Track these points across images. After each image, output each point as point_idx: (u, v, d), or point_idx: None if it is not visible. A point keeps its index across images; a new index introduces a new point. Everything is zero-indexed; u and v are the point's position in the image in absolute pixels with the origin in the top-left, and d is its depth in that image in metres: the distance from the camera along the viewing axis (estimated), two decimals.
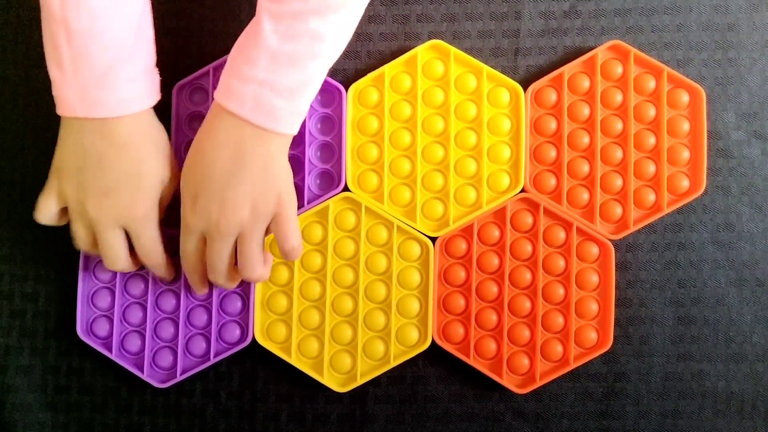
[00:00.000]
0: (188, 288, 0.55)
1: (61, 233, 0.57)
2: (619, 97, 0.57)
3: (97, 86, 0.46)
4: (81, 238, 0.50)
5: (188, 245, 0.49)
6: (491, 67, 0.57)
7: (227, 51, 0.56)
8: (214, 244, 0.48)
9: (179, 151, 0.57)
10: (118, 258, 0.50)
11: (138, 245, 0.50)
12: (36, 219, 0.50)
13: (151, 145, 0.49)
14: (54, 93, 0.47)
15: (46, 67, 0.47)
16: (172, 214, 0.51)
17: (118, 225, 0.49)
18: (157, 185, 0.49)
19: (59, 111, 0.47)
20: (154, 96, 0.49)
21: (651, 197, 0.56)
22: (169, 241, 0.52)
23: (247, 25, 0.47)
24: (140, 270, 0.55)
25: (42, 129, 0.58)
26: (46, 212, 0.50)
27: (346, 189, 0.56)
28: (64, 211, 0.51)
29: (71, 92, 0.46)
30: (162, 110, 0.57)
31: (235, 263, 0.51)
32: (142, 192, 0.48)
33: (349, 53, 0.58)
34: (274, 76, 0.45)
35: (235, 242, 0.49)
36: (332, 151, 0.57)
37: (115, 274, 0.56)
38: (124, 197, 0.48)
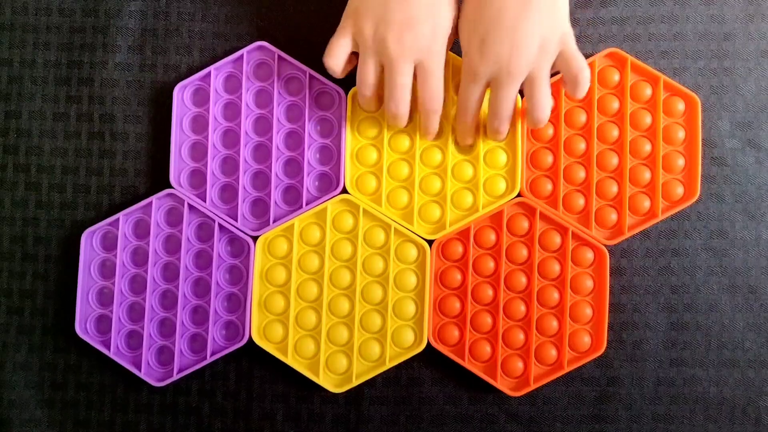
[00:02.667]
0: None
1: (62, 232, 0.58)
2: (615, 105, 0.57)
3: None
4: (369, 78, 0.50)
5: (473, 93, 0.50)
6: None
7: (227, 52, 0.57)
8: (502, 88, 0.48)
9: (179, 152, 0.57)
10: (404, 98, 0.50)
11: (426, 84, 0.50)
12: (326, 62, 0.51)
13: None
14: None
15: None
16: None
17: (414, 59, 0.49)
18: (451, 22, 0.50)
19: None
20: None
21: (646, 204, 0.57)
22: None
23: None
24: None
25: (41, 130, 0.59)
26: (339, 53, 0.50)
27: (344, 191, 0.57)
28: (350, 58, 0.51)
29: None
30: (162, 110, 0.58)
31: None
32: (440, 26, 0.49)
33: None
34: None
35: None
36: (331, 153, 0.58)
37: (113, 272, 0.57)
38: (426, 31, 0.48)
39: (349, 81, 0.58)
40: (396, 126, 0.54)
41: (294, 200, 0.58)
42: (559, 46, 0.48)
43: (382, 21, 0.48)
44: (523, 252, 0.57)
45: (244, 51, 0.57)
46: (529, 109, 0.50)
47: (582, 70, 0.49)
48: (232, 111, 0.58)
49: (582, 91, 0.50)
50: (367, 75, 0.50)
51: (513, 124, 0.57)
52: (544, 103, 0.50)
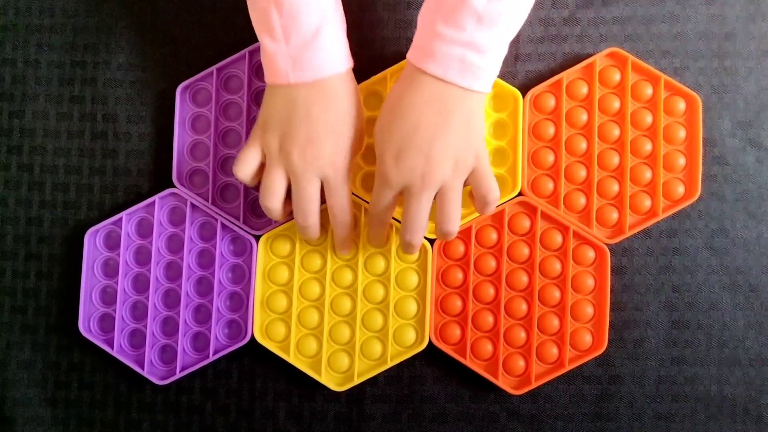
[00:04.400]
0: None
1: (65, 231, 0.58)
2: (616, 104, 0.58)
3: (307, 49, 0.48)
4: (275, 190, 0.51)
5: (384, 200, 0.50)
6: None
7: (228, 54, 0.58)
8: (415, 198, 0.49)
9: (182, 151, 0.58)
10: (311, 210, 0.51)
11: (332, 197, 0.51)
12: (235, 172, 0.51)
13: (354, 100, 0.51)
14: (265, 63, 0.50)
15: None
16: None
17: (318, 175, 0.50)
18: (356, 139, 0.51)
19: (270, 80, 0.49)
20: (350, 58, 0.51)
21: (647, 203, 0.57)
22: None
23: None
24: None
25: (38, 131, 0.59)
26: (248, 163, 0.51)
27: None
28: (259, 170, 0.52)
29: (283, 60, 0.48)
30: (165, 110, 0.58)
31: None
32: (344, 143, 0.50)
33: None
34: (479, 36, 0.46)
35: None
36: None
37: (116, 271, 0.57)
38: (328, 147, 0.49)
39: None
40: (308, 237, 0.54)
41: None
42: (472, 164, 0.49)
43: (287, 136, 0.49)
44: (525, 251, 0.57)
45: (246, 51, 0.57)
46: (439, 222, 0.50)
47: (490, 191, 0.49)
48: (234, 111, 0.58)
49: (489, 210, 0.51)
50: (273, 184, 0.50)
51: (515, 126, 0.57)
52: (454, 216, 0.50)
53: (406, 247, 0.52)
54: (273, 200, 0.51)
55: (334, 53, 0.49)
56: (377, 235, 0.54)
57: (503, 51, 0.48)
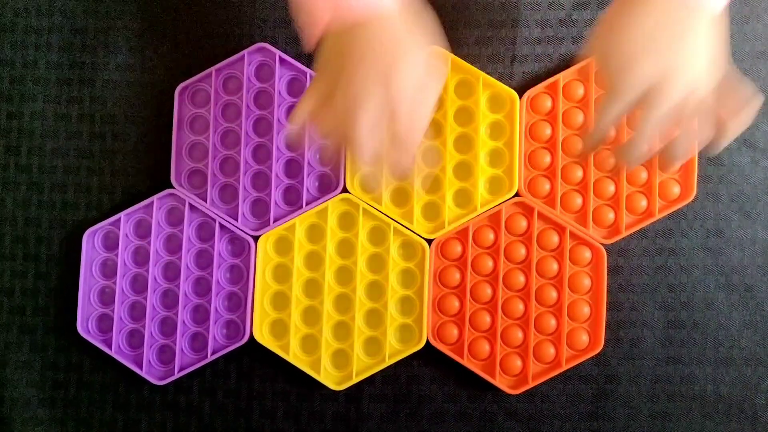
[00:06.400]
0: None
1: (63, 232, 0.58)
2: None
3: None
4: (333, 132, 0.47)
5: (614, 113, 0.46)
6: (488, 73, 0.58)
7: (228, 54, 0.58)
8: (657, 108, 0.45)
9: (180, 152, 0.58)
10: (372, 146, 0.47)
11: (397, 130, 0.47)
12: (292, 119, 0.48)
13: (414, 31, 0.47)
14: (306, 17, 0.46)
15: None
16: None
17: (381, 110, 0.45)
18: (420, 71, 0.46)
19: (315, 31, 0.46)
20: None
21: (643, 203, 0.57)
22: None
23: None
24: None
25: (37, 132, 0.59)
26: (304, 109, 0.48)
27: (344, 191, 0.57)
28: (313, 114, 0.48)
29: (323, 3, 0.45)
30: (163, 111, 0.59)
31: None
32: (404, 76, 0.45)
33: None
34: None
35: None
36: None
37: (114, 271, 0.57)
38: (392, 83, 0.45)
39: None
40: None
41: (294, 200, 0.58)
42: (715, 79, 0.46)
43: (345, 76, 0.46)
44: (522, 251, 0.57)
45: (245, 52, 0.57)
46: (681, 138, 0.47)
47: (743, 102, 0.46)
48: (232, 112, 0.59)
49: (740, 123, 0.47)
50: (330, 127, 0.48)
51: (511, 127, 0.57)
52: (703, 130, 0.47)
53: (667, 164, 0.48)
54: (335, 143, 0.49)
55: None
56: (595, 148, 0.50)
57: None
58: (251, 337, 0.56)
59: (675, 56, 0.44)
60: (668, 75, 0.44)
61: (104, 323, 0.57)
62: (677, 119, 0.45)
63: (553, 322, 0.57)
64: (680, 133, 0.46)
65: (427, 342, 0.56)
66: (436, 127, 0.58)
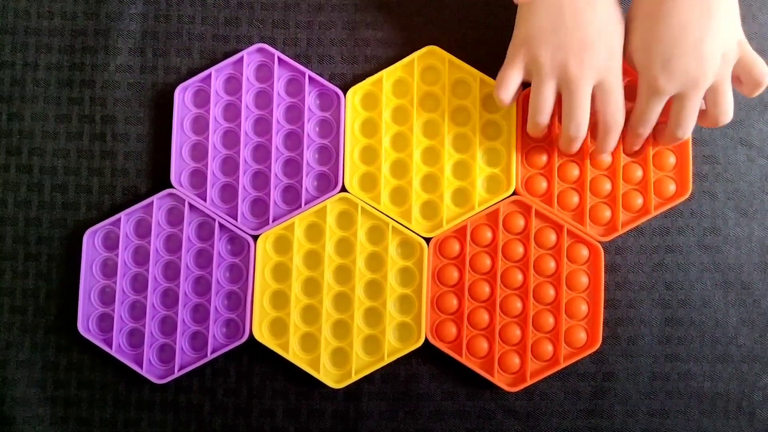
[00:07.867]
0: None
1: (64, 232, 0.58)
2: None
3: None
4: (546, 105, 0.51)
5: (656, 108, 0.51)
6: (486, 74, 0.58)
7: (227, 54, 0.58)
8: (690, 100, 0.49)
9: (180, 152, 0.58)
10: (585, 119, 0.51)
11: (608, 102, 0.51)
12: (497, 94, 0.51)
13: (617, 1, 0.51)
14: None
15: None
16: None
17: (595, 80, 0.50)
18: (621, 38, 0.50)
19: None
20: None
21: (639, 201, 0.57)
22: None
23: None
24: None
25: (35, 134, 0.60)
26: (511, 84, 0.51)
27: (343, 190, 0.58)
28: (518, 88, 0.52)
29: None
30: (163, 112, 0.59)
31: None
32: (616, 43, 0.50)
33: (347, 58, 0.59)
34: None
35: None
36: (330, 154, 0.59)
37: (115, 271, 0.57)
38: (602, 50, 0.49)
39: (347, 84, 0.59)
40: (570, 150, 0.54)
41: (293, 200, 0.58)
42: (738, 52, 0.49)
43: (559, 47, 0.49)
44: (519, 249, 0.58)
45: (244, 53, 0.58)
46: (715, 115, 0.51)
47: (763, 74, 0.49)
48: (232, 112, 0.59)
49: (759, 91, 0.51)
50: (545, 101, 0.51)
51: (508, 126, 0.58)
52: (730, 107, 0.50)
53: (673, 140, 0.52)
54: (544, 115, 0.51)
55: None
56: (639, 140, 0.54)
57: None
58: (251, 335, 0.57)
59: (704, 50, 0.48)
60: (699, 72, 0.48)
61: (104, 322, 0.58)
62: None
63: (551, 319, 0.57)
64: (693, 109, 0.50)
65: (426, 340, 0.57)
66: (436, 128, 0.58)
